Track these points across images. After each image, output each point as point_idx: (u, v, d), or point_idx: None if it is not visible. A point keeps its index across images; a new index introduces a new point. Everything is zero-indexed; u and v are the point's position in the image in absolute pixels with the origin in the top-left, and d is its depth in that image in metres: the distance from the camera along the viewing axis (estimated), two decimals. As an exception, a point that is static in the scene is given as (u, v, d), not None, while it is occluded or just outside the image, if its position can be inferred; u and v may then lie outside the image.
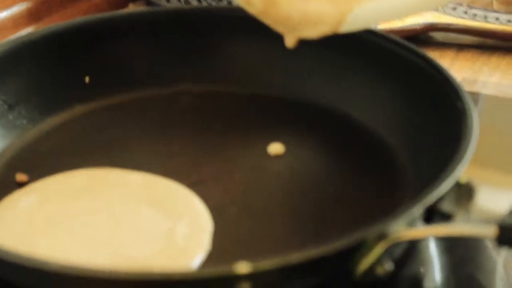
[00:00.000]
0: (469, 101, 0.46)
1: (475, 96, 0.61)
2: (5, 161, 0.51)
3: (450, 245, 0.44)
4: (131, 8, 0.78)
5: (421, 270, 0.43)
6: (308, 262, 0.36)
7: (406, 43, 0.53)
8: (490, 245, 0.44)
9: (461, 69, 0.66)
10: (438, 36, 0.71)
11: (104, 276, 0.35)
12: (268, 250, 0.44)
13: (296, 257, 0.35)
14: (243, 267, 0.35)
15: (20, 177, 0.50)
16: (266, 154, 0.52)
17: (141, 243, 0.43)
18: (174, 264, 0.42)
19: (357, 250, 0.37)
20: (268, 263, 0.35)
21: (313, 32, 0.47)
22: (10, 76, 0.55)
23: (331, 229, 0.45)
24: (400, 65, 0.53)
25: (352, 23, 0.46)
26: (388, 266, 0.38)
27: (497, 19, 0.70)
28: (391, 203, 0.47)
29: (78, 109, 0.57)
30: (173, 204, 0.47)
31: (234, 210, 0.47)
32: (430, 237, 0.44)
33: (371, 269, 0.38)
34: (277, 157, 0.52)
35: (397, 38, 0.54)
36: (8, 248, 0.37)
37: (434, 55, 0.67)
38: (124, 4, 0.78)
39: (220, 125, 0.55)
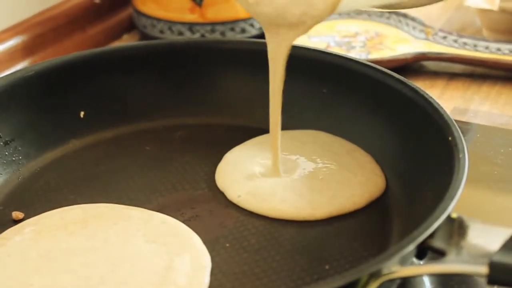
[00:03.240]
0: (460, 136, 0.46)
1: (466, 125, 0.62)
2: (1, 198, 0.52)
3: (443, 279, 0.45)
4: (125, 39, 0.79)
5: (415, 305, 0.44)
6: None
7: (398, 76, 0.54)
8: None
9: (452, 98, 0.67)
10: (429, 65, 0.72)
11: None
12: (262, 286, 0.44)
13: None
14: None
15: (16, 215, 0.50)
16: (260, 188, 0.52)
17: (140, 283, 0.43)
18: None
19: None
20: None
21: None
22: (5, 112, 0.55)
23: (324, 264, 0.45)
24: (392, 98, 0.54)
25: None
26: (381, 303, 0.38)
27: (486, 48, 0.70)
28: (384, 237, 0.47)
29: (74, 144, 0.57)
30: (171, 240, 0.46)
31: (229, 244, 0.47)
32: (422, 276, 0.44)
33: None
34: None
35: (389, 70, 0.55)
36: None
37: (425, 84, 0.68)
38: (118, 36, 0.79)
39: (215, 158, 0.56)
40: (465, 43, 0.71)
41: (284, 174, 0.52)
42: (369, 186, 0.51)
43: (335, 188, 0.51)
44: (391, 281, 0.39)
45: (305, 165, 0.53)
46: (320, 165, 0.53)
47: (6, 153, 0.54)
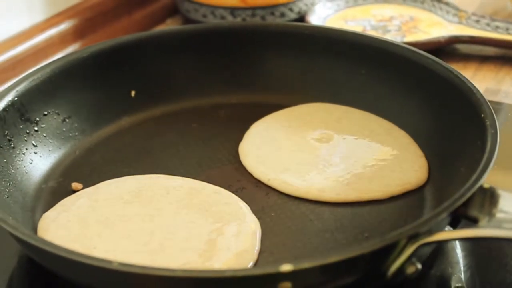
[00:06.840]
0: (492, 113, 0.49)
1: (498, 105, 0.64)
2: (61, 170, 0.55)
3: (474, 246, 0.48)
4: (169, 23, 0.82)
5: (449, 270, 0.46)
6: (345, 261, 0.39)
7: (434, 57, 0.57)
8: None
9: (484, 79, 0.69)
10: (462, 48, 0.74)
11: (162, 274, 0.39)
12: (306, 251, 0.47)
13: (336, 256, 0.39)
14: (286, 266, 0.38)
15: (76, 185, 0.53)
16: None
17: (196, 250, 0.45)
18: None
19: (390, 250, 0.40)
20: (309, 263, 0.39)
21: None
22: (62, 91, 0.58)
23: (363, 232, 0.48)
24: (428, 78, 0.56)
25: None
26: (416, 266, 0.41)
27: (518, 31, 0.73)
28: (419, 210, 0.50)
29: (126, 121, 0.61)
30: (224, 208, 0.49)
31: (275, 213, 0.50)
32: (456, 240, 0.47)
33: (401, 269, 0.41)
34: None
35: (425, 52, 0.58)
36: (72, 249, 0.41)
37: (457, 66, 0.71)
38: (162, 20, 0.82)
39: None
40: (497, 27, 0.74)
41: (328, 157, 0.55)
42: (422, 173, 0.52)
43: (389, 176, 0.52)
44: (427, 246, 0.42)
45: (349, 149, 0.55)
46: (365, 148, 0.55)
47: (64, 129, 0.58)
